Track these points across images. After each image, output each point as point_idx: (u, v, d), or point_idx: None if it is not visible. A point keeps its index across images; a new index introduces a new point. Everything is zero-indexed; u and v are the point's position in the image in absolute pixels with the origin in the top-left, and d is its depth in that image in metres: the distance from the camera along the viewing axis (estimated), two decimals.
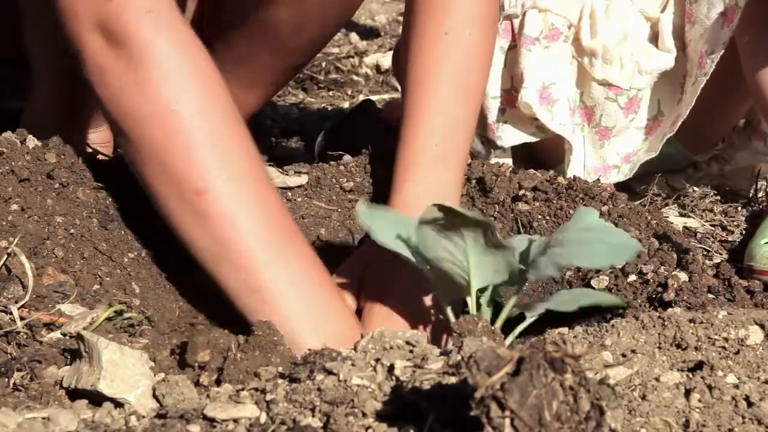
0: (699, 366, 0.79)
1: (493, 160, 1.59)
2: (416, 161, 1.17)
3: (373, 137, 1.53)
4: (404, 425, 0.67)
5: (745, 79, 1.54)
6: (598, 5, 1.61)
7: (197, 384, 0.88)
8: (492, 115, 1.67)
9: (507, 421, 0.56)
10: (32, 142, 1.16)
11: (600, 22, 1.60)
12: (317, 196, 1.38)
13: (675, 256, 1.21)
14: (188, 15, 1.47)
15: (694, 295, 1.11)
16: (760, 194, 1.66)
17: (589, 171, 1.66)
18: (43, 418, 0.75)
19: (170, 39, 1.01)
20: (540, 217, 1.30)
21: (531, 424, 0.56)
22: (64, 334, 0.93)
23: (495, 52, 1.62)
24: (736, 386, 0.74)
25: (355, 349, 0.81)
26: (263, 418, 0.72)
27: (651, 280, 1.12)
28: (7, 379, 0.85)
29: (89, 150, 1.47)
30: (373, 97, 2.52)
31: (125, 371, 0.83)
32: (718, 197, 1.67)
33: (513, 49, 1.65)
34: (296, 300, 0.99)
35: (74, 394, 0.85)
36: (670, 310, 0.99)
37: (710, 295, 1.16)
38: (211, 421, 0.72)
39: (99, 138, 1.57)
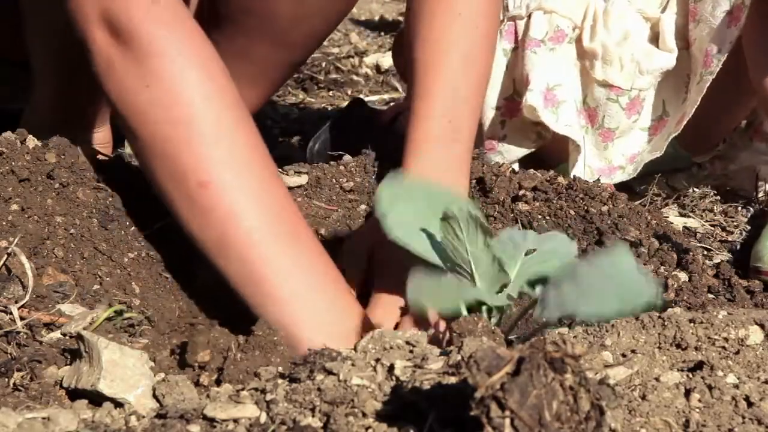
0: (699, 366, 0.78)
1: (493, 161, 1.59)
2: (426, 137, 1.18)
3: (370, 137, 1.52)
4: (404, 425, 0.67)
5: (746, 79, 1.54)
6: (598, 6, 1.61)
7: (197, 384, 0.88)
8: (491, 130, 1.68)
9: (507, 421, 0.56)
10: (32, 142, 1.16)
11: (599, 23, 1.60)
12: (317, 196, 1.38)
13: (675, 256, 1.21)
14: (192, 9, 1.47)
15: (694, 295, 1.11)
16: (761, 195, 1.66)
17: (593, 172, 1.66)
18: (43, 418, 0.75)
19: (174, 31, 1.01)
20: (540, 217, 1.30)
21: (531, 424, 0.56)
22: (64, 334, 0.93)
23: (497, 54, 1.63)
24: (736, 386, 0.74)
25: (355, 349, 0.81)
26: (263, 418, 0.72)
27: None
28: (7, 379, 0.85)
29: (89, 150, 1.48)
30: (373, 97, 2.53)
31: (125, 371, 0.83)
32: (718, 197, 1.67)
33: (515, 51, 1.65)
34: (302, 293, 0.98)
35: (74, 394, 0.85)
36: (670, 310, 0.99)
37: (710, 295, 1.16)
38: (211, 421, 0.72)
39: (99, 138, 1.57)
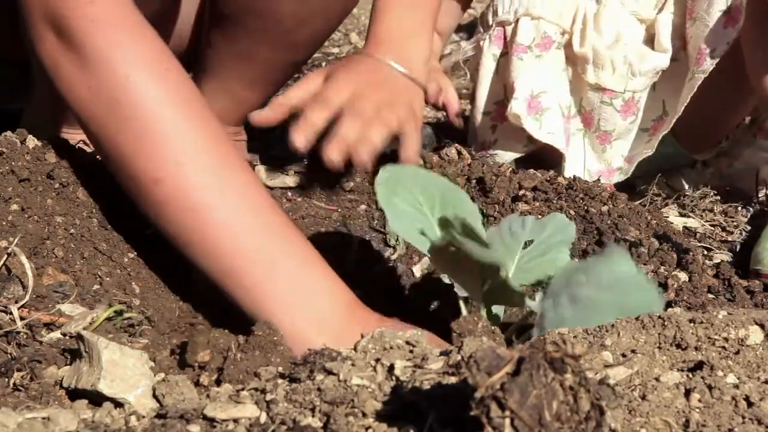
0: (699, 366, 0.78)
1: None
2: (388, 6, 1.35)
3: None
4: (404, 425, 0.67)
5: (745, 77, 1.53)
6: (589, 10, 1.61)
7: (197, 384, 0.88)
8: (483, 135, 1.69)
9: (507, 421, 0.56)
10: (32, 142, 1.16)
11: (589, 27, 1.60)
12: (317, 196, 1.38)
13: (675, 256, 1.21)
14: (191, 10, 1.46)
15: (694, 295, 1.11)
16: (761, 195, 1.66)
17: (591, 174, 1.66)
18: (43, 418, 0.75)
19: (117, 31, 0.99)
20: (540, 216, 1.30)
21: (531, 424, 0.56)
22: (64, 334, 0.93)
23: (487, 59, 1.64)
24: (736, 386, 0.74)
25: (355, 348, 0.81)
26: (263, 418, 0.72)
27: None
28: (7, 379, 0.85)
29: (89, 150, 1.47)
30: None
31: (125, 371, 0.83)
32: (718, 197, 1.67)
33: (505, 56, 1.65)
34: (277, 277, 0.97)
35: (74, 394, 0.85)
36: (670, 310, 0.99)
37: (710, 295, 1.16)
38: (211, 421, 0.72)
39: None
